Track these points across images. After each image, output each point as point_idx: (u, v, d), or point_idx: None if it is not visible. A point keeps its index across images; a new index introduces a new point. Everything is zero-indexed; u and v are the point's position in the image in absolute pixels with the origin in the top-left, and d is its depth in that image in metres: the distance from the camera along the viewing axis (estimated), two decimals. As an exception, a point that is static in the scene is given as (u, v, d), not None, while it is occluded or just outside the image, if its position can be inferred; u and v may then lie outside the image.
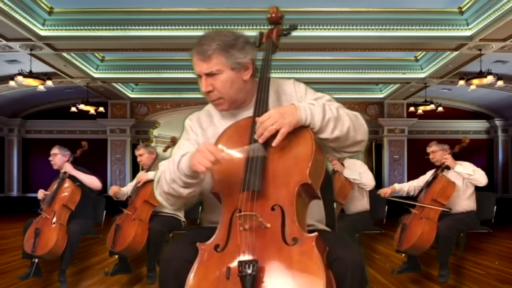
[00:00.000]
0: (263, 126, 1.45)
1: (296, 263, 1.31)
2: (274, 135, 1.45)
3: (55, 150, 4.39)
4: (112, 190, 4.18)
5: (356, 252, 1.43)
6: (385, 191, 4.34)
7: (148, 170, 4.31)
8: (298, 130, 1.48)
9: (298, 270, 1.30)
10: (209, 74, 1.59)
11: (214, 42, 1.57)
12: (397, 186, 4.53)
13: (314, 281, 1.26)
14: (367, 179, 4.32)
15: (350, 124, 1.52)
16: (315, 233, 1.35)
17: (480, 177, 4.19)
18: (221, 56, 1.58)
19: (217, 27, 7.42)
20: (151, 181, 4.12)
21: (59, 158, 4.36)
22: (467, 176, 4.20)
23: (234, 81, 1.61)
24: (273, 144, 1.45)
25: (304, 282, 1.28)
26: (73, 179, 4.22)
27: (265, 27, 1.77)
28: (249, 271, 1.28)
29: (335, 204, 4.11)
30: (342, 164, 4.34)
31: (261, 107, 1.56)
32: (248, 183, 1.44)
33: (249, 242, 1.36)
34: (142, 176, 4.21)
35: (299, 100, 1.65)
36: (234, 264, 1.34)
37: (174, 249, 1.54)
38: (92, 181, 4.29)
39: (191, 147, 1.64)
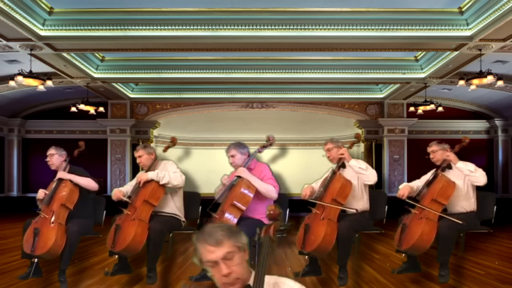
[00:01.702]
0: None
1: None
2: None
3: (51, 151, 4.41)
4: (115, 195, 4.15)
5: None
6: (402, 193, 4.26)
7: (147, 170, 4.30)
8: None
9: None
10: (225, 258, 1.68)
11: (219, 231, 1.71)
12: (410, 184, 4.44)
13: None
14: (371, 173, 4.31)
15: None
16: None
17: (480, 176, 4.19)
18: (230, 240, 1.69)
19: (217, 27, 7.42)
20: (151, 181, 4.12)
21: (56, 158, 4.37)
22: (467, 173, 4.20)
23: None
24: None
25: None
26: (71, 178, 4.22)
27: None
28: None
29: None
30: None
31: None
32: None
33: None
34: (142, 176, 4.19)
35: None
36: None
37: None
38: (88, 183, 4.30)
39: None
